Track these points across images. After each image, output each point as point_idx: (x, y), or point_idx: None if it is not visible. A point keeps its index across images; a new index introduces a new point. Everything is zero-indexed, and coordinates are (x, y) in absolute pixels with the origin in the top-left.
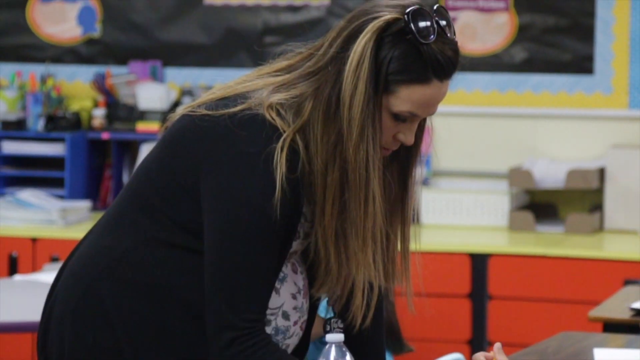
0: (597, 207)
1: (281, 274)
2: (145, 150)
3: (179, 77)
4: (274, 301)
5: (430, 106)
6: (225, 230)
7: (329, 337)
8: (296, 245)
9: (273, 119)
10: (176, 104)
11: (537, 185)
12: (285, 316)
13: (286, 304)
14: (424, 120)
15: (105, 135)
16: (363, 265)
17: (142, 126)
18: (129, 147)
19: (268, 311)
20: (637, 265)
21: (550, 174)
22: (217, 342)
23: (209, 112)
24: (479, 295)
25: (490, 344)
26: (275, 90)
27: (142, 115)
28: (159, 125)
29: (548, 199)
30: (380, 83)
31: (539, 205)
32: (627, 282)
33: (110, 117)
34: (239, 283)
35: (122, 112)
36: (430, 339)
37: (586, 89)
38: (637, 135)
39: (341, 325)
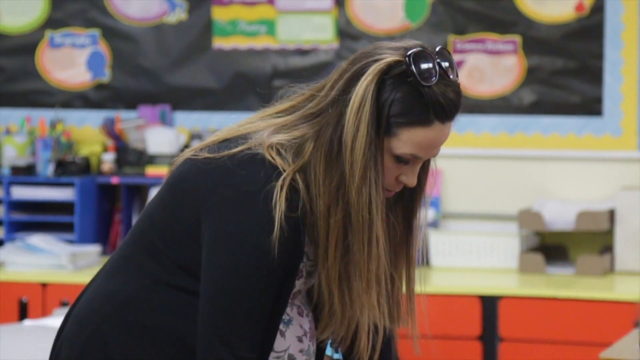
0: (607, 248)
1: (286, 317)
2: (154, 194)
3: (188, 121)
4: (280, 344)
5: (432, 148)
6: (222, 267)
7: None
8: (299, 285)
9: (273, 158)
10: (185, 148)
11: (547, 227)
12: (292, 359)
13: (292, 347)
14: (428, 161)
15: (114, 180)
16: (367, 308)
17: (151, 170)
18: (139, 191)
19: (274, 354)
20: None
21: (560, 216)
22: None
23: (210, 155)
24: (489, 337)
25: None
26: (276, 131)
27: (152, 160)
28: (168, 169)
29: (558, 240)
30: (382, 125)
31: (549, 247)
32: (639, 324)
33: (120, 162)
34: (233, 320)
35: (131, 157)
36: None
37: (595, 131)
38: None
39: None
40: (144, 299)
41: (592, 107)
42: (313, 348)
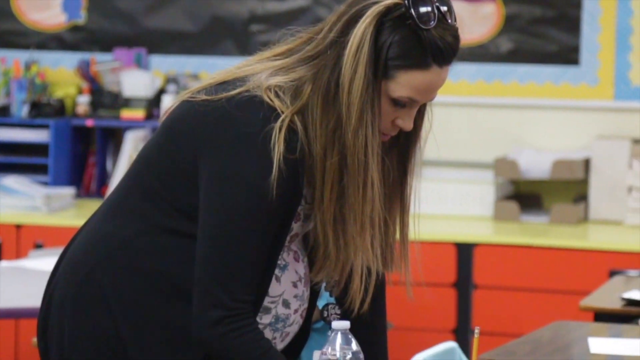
0: (582, 197)
1: (282, 262)
2: (129, 137)
3: (164, 64)
4: (275, 289)
5: (429, 92)
6: (220, 209)
7: (335, 324)
8: (297, 228)
9: (271, 100)
10: (161, 92)
11: (522, 175)
12: (286, 304)
13: (287, 292)
14: (424, 106)
15: (89, 122)
16: (361, 250)
17: (126, 113)
18: (113, 134)
19: (268, 299)
20: (621, 255)
21: (535, 164)
22: (203, 320)
23: (208, 97)
24: (464, 284)
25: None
26: (274, 73)
27: (127, 103)
28: (143, 113)
29: (533, 189)
30: (380, 68)
31: (524, 196)
32: (613, 273)
33: (95, 104)
34: (231, 262)
35: (106, 99)
36: (415, 328)
37: (572, 80)
38: (622, 126)
39: (338, 312)
40: (139, 243)
41: (569, 56)
42: (307, 294)
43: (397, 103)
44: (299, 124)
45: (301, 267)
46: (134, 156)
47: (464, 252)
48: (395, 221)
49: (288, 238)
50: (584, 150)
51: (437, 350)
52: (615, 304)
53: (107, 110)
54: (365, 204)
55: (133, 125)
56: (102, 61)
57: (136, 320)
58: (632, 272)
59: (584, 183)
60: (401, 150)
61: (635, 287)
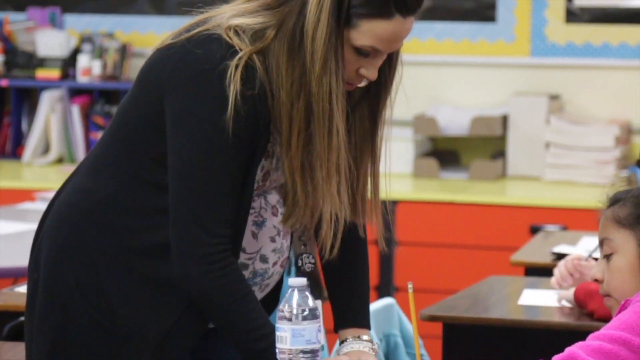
0: (500, 153)
1: (259, 219)
2: (45, 97)
3: (79, 23)
4: (252, 246)
5: (392, 42)
6: (183, 148)
7: (291, 281)
8: (268, 165)
9: (230, 38)
10: (76, 51)
11: (441, 132)
12: (264, 259)
13: (264, 247)
14: (395, 58)
15: (3, 83)
16: (328, 197)
17: (41, 73)
18: (28, 95)
19: (245, 255)
20: (540, 210)
21: (454, 121)
22: (184, 260)
23: (171, 41)
24: (385, 240)
25: (397, 290)
26: (238, 14)
27: (42, 63)
28: (58, 73)
29: (451, 146)
30: (343, 16)
31: (443, 152)
32: (533, 228)
33: (9, 64)
34: (201, 198)
35: (20, 59)
36: None
37: (489, 37)
38: (539, 82)
39: (312, 261)
40: (122, 198)
41: (486, 13)
42: (287, 244)
43: (361, 52)
44: (258, 63)
45: (280, 221)
46: (50, 116)
47: (385, 209)
48: (366, 172)
49: (260, 175)
50: (501, 107)
51: (376, 307)
52: (545, 259)
53: (22, 70)
54: (331, 152)
55: (48, 85)
56: (15, 20)
57: (119, 274)
58: (551, 227)
59: (502, 139)
60: (371, 102)
61: (562, 241)
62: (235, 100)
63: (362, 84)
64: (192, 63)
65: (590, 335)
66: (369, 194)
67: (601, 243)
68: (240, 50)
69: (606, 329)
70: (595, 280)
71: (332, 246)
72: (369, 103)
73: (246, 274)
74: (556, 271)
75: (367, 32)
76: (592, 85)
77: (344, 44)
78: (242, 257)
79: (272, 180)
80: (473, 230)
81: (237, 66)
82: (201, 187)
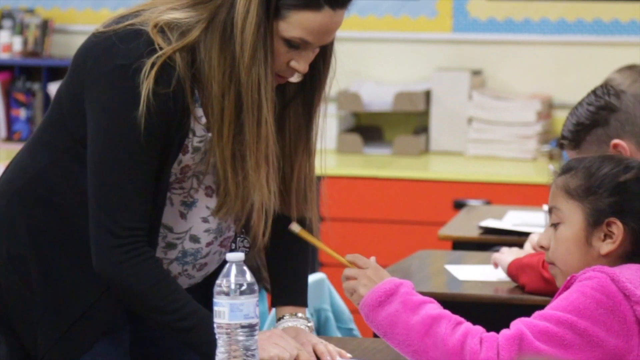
0: (423, 129)
1: (189, 199)
2: None
3: None
4: (180, 226)
5: (322, 34)
6: (98, 140)
7: (229, 256)
8: (188, 160)
9: (154, 35)
10: None
11: (364, 108)
12: (195, 239)
13: (195, 228)
14: (329, 52)
15: None
16: (257, 187)
17: None
18: None
19: (173, 235)
20: (463, 185)
21: (377, 97)
22: (98, 249)
23: (102, 29)
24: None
25: (322, 266)
26: (170, 10)
27: None
28: None
29: (375, 121)
30: (272, 8)
31: (366, 128)
32: (457, 203)
33: None
34: (113, 191)
35: None
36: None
37: (411, 13)
38: (461, 58)
39: (247, 245)
40: (53, 175)
41: None
42: (226, 225)
43: (291, 44)
44: (179, 61)
45: (214, 202)
46: None
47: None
48: (300, 167)
49: (178, 169)
50: (424, 83)
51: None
52: (472, 233)
53: None
54: (259, 141)
55: None
56: None
57: (47, 250)
58: (474, 202)
59: (424, 115)
60: (306, 98)
61: (488, 216)
62: (147, 99)
63: (295, 78)
64: (112, 57)
65: (537, 314)
66: (303, 189)
67: (550, 211)
68: (161, 48)
69: (553, 309)
70: (542, 247)
71: (263, 234)
72: (303, 98)
73: (174, 253)
74: (527, 246)
75: (296, 24)
76: (514, 60)
77: (273, 35)
78: (170, 237)
79: (194, 173)
80: (397, 206)
81: (153, 64)
82: (113, 181)
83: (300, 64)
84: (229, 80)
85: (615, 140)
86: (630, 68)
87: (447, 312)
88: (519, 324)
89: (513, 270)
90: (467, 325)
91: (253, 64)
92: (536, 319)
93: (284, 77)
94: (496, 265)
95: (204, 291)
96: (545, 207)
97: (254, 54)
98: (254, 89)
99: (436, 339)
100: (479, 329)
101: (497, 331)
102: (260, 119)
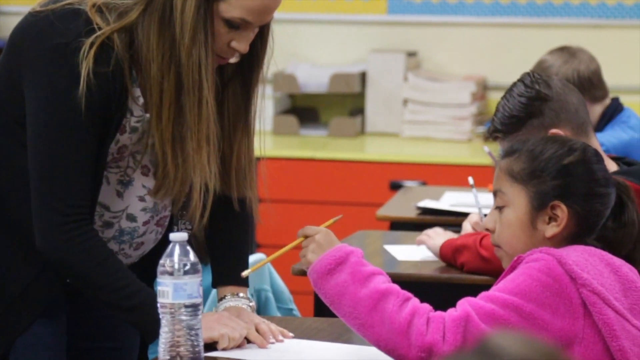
0: (358, 110)
1: (125, 178)
2: None
3: None
4: (117, 205)
5: (262, 14)
6: (37, 120)
7: (172, 236)
8: (125, 139)
9: (92, 15)
10: None
11: (300, 89)
12: (131, 218)
13: (131, 206)
14: (266, 32)
15: None
16: (199, 168)
17: None
18: None
19: (110, 214)
20: (399, 166)
21: (313, 79)
22: (43, 228)
23: (39, 8)
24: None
25: (259, 246)
26: None
27: None
28: None
29: (311, 103)
30: None
31: (302, 109)
32: (393, 184)
33: None
34: (55, 169)
35: None
36: None
37: None
38: (396, 40)
39: (189, 227)
40: None
41: None
42: (162, 204)
43: (232, 25)
44: (117, 41)
45: (151, 181)
46: None
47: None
48: (240, 147)
49: (115, 149)
50: (360, 64)
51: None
52: (410, 213)
53: None
54: (200, 122)
55: None
56: None
57: None
58: (410, 183)
59: (360, 96)
60: (244, 78)
61: (426, 197)
62: (87, 78)
63: (235, 58)
64: (50, 36)
65: (483, 294)
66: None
67: (495, 194)
68: (100, 28)
69: (500, 291)
70: (487, 229)
71: (202, 215)
72: (241, 78)
73: (111, 232)
74: (467, 226)
75: (236, 4)
76: (449, 42)
77: (213, 16)
78: (107, 216)
79: (131, 152)
80: (334, 187)
81: (92, 44)
82: (56, 160)
83: (241, 44)
84: (168, 62)
85: (553, 130)
86: (562, 49)
87: (396, 287)
88: (465, 305)
89: (448, 252)
90: (414, 302)
91: (193, 45)
92: (482, 300)
93: (224, 58)
94: (419, 243)
95: (140, 272)
96: (473, 187)
97: (194, 35)
98: (194, 70)
99: (383, 315)
100: (426, 307)
101: (442, 309)
102: (201, 99)
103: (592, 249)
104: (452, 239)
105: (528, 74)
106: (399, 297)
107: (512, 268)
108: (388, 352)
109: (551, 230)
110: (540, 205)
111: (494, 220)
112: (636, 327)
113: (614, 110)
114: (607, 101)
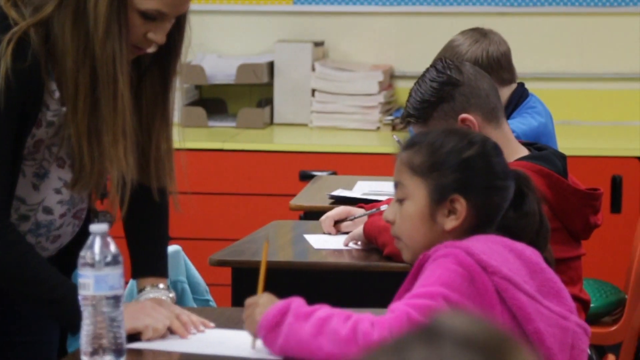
0: (267, 101)
1: (41, 170)
2: None
3: None
4: (33, 197)
5: (178, 5)
6: None
7: (93, 227)
8: (42, 134)
9: (7, 9)
10: None
11: (208, 80)
12: (47, 211)
13: (48, 199)
14: (182, 22)
15: None
16: (115, 161)
17: None
18: None
19: (26, 207)
20: (309, 156)
21: (220, 69)
22: None
23: None
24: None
25: (170, 239)
26: None
27: None
28: None
29: (218, 94)
30: None
31: (210, 101)
32: (303, 174)
33: None
34: None
35: None
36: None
37: None
38: (303, 29)
39: (110, 219)
40: None
41: None
42: (79, 196)
43: (147, 16)
44: (34, 36)
45: (68, 173)
46: None
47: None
48: (158, 136)
49: (31, 143)
50: (267, 54)
51: None
52: (323, 203)
53: None
54: (116, 116)
55: None
56: None
57: None
58: (320, 173)
59: (268, 87)
60: (162, 67)
61: (338, 186)
62: (5, 75)
63: (152, 49)
64: None
65: (408, 296)
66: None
67: (395, 186)
68: (16, 24)
69: (423, 287)
70: (387, 221)
71: (121, 208)
72: (159, 68)
73: (28, 225)
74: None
75: None
76: (355, 31)
77: (127, 8)
78: (23, 209)
79: (47, 145)
80: (244, 178)
81: (9, 41)
82: None
83: (158, 35)
84: (83, 55)
85: (463, 115)
86: (474, 30)
87: (337, 310)
88: (399, 306)
89: (372, 231)
90: (356, 315)
91: (107, 38)
92: (409, 299)
93: (141, 49)
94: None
95: (59, 265)
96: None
97: (107, 28)
98: (109, 64)
99: (329, 335)
100: (368, 315)
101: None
102: (116, 93)
103: (494, 236)
104: (375, 218)
105: (440, 59)
106: (342, 315)
107: (419, 266)
108: None
109: (450, 223)
110: (439, 199)
111: (394, 212)
112: (548, 309)
113: (520, 96)
114: (514, 86)
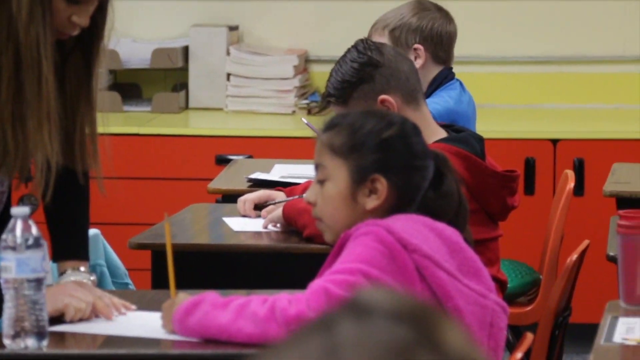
0: (182, 85)
1: None
2: None
3: None
4: None
5: None
6: None
7: (14, 210)
8: None
9: None
10: None
11: (122, 65)
12: None
13: None
14: (107, 4)
15: None
16: (40, 145)
17: None
18: None
19: None
20: (225, 140)
21: (135, 54)
22: None
23: None
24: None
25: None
26: None
27: None
28: None
29: (133, 78)
30: None
31: (125, 86)
32: (219, 158)
33: None
34: None
35: None
36: None
37: None
38: (218, 14)
39: (35, 202)
40: None
41: None
42: (2, 188)
43: (70, 0)
44: None
45: None
46: None
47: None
48: (83, 120)
49: None
50: (182, 39)
51: None
52: (241, 186)
53: None
54: (41, 100)
55: None
56: None
57: None
58: (236, 157)
59: (183, 71)
60: (85, 50)
61: (255, 169)
62: None
63: (76, 32)
64: None
65: (328, 273)
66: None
67: (316, 167)
68: None
69: (342, 264)
70: (309, 203)
71: (45, 194)
72: (82, 51)
73: None
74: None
75: None
76: (270, 15)
77: None
78: None
79: None
80: (160, 163)
81: None
82: None
83: (82, 19)
84: (6, 39)
85: (382, 96)
86: (432, 2)
87: (255, 296)
88: (317, 282)
89: (291, 213)
90: (274, 296)
91: (31, 22)
92: (328, 276)
93: (65, 34)
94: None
95: None
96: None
97: (31, 11)
98: (33, 48)
99: (248, 317)
100: (284, 294)
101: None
102: (40, 77)
103: (414, 216)
104: (295, 200)
105: (362, 40)
106: (259, 299)
107: (341, 245)
108: (263, 342)
109: (372, 203)
110: (360, 179)
111: (315, 194)
112: (467, 287)
113: (444, 77)
114: (442, 68)
